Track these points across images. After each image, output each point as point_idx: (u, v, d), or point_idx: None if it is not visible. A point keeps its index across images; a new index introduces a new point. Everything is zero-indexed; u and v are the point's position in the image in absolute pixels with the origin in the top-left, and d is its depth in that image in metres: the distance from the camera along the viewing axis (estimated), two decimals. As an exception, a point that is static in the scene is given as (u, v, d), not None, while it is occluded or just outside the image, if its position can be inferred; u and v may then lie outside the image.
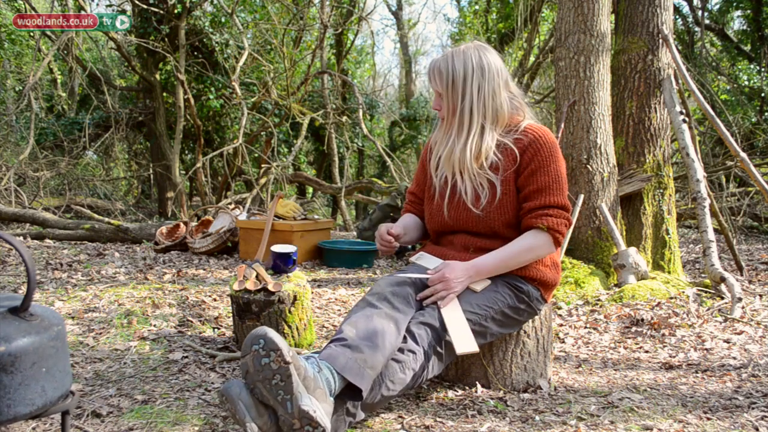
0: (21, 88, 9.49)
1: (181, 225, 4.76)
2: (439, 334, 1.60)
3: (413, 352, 1.54)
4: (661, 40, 3.64)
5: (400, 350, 1.54)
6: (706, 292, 3.13)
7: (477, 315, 1.66)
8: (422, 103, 13.75)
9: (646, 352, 2.40)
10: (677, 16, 9.69)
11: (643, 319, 2.70)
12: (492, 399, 1.77)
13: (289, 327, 2.15)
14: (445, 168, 1.79)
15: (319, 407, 1.29)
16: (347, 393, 1.43)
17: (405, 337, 1.57)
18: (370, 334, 1.47)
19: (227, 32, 8.64)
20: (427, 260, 1.84)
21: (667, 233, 3.67)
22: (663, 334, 2.55)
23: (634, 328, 2.65)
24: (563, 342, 2.52)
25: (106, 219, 5.56)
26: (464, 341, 1.61)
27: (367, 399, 1.45)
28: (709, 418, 1.65)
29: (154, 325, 2.41)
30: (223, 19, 8.69)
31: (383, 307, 1.58)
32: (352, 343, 1.44)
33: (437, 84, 1.73)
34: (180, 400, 1.70)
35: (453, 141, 1.75)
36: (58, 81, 11.23)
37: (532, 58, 9.69)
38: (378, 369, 1.45)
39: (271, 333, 1.28)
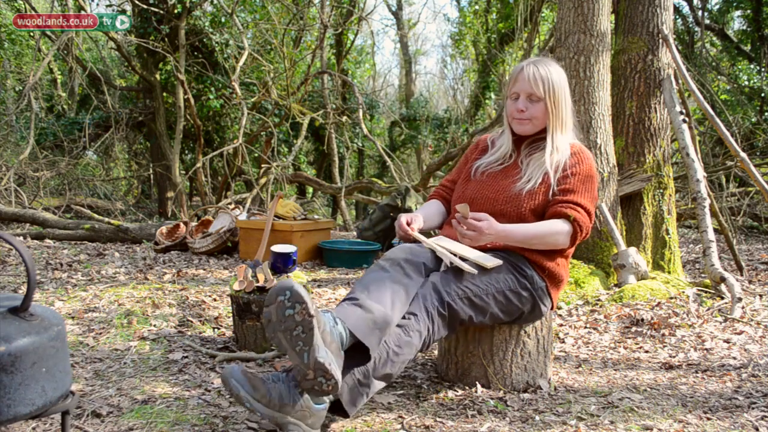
0: (21, 88, 9.49)
1: (181, 225, 4.76)
2: (442, 295, 1.63)
3: (414, 314, 1.58)
4: (661, 40, 3.64)
5: (402, 315, 1.57)
6: (706, 292, 3.13)
7: (479, 288, 1.69)
8: (422, 103, 13.74)
9: (646, 352, 2.40)
10: (677, 16, 9.69)
11: (643, 319, 2.70)
12: (492, 399, 1.77)
13: (289, 327, 2.15)
14: (534, 162, 1.86)
15: (334, 360, 1.35)
16: (354, 354, 1.46)
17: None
18: (381, 296, 1.53)
19: (227, 32, 8.64)
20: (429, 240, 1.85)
21: (667, 233, 3.67)
22: (663, 334, 2.55)
23: (634, 328, 2.65)
24: (563, 342, 2.52)
25: (106, 219, 5.56)
26: (487, 260, 1.72)
27: (378, 366, 1.48)
28: (709, 418, 1.65)
29: (154, 325, 2.41)
30: (223, 19, 8.68)
31: (395, 272, 1.63)
32: (363, 303, 1.49)
33: (538, 88, 1.81)
34: (180, 400, 1.70)
35: (555, 140, 1.85)
36: (58, 81, 11.22)
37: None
38: (386, 331, 1.49)
39: (297, 286, 1.34)
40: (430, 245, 1.77)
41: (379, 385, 1.51)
